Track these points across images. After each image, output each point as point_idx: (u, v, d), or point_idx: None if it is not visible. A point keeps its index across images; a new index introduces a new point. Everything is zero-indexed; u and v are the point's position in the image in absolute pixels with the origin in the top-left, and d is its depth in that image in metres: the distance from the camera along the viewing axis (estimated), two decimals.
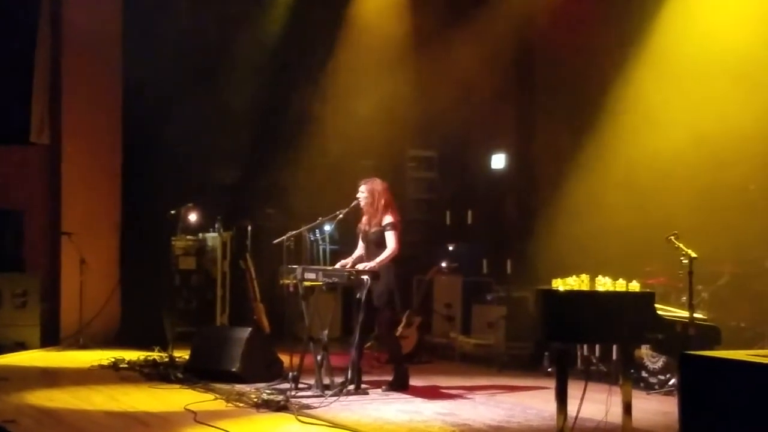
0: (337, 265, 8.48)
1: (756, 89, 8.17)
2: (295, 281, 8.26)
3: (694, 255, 6.59)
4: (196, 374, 8.58)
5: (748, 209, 8.25)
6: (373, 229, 8.31)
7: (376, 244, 8.28)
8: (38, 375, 9.13)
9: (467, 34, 11.49)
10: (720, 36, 8.82)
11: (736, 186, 8.50)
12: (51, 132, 11.51)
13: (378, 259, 8.16)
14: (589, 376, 6.27)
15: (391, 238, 8.22)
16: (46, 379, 8.82)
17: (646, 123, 9.50)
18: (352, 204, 8.41)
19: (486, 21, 11.40)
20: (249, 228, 10.95)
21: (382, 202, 8.34)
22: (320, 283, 8.23)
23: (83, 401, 7.64)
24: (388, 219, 8.28)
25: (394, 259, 8.25)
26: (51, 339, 11.06)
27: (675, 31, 9.38)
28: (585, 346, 6.32)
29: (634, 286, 5.98)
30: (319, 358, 8.14)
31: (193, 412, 7.08)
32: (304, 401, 7.56)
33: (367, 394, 8.11)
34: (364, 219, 8.45)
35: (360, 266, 8.23)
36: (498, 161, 12.41)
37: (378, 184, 8.44)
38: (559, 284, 5.97)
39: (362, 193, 8.37)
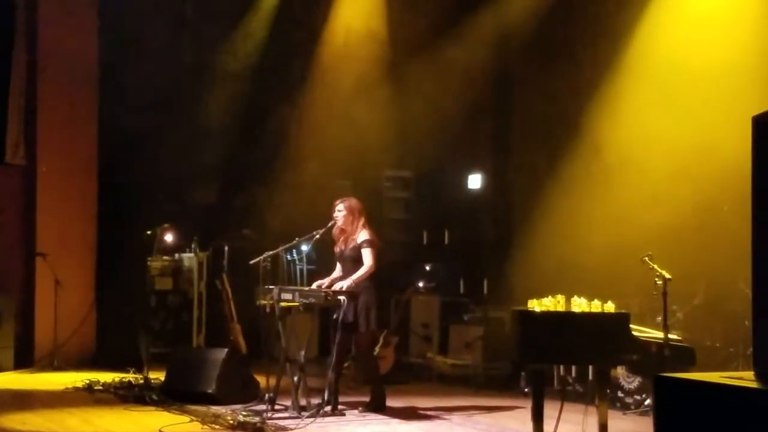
0: (314, 286, 8.47)
1: (733, 109, 8.23)
2: (271, 302, 8.23)
3: (668, 276, 6.65)
4: (172, 396, 8.52)
5: (722, 230, 8.31)
6: (350, 246, 8.30)
7: (353, 262, 8.26)
8: (11, 397, 9.02)
9: (444, 54, 11.55)
10: (695, 55, 8.90)
11: (711, 206, 8.56)
12: (26, 152, 11.44)
13: (354, 276, 8.13)
14: (566, 396, 6.29)
15: (368, 255, 8.21)
16: (19, 402, 8.72)
17: (622, 143, 9.57)
18: (329, 224, 8.40)
19: (462, 41, 11.47)
20: (225, 248, 10.91)
21: (361, 220, 8.35)
22: (297, 303, 8.20)
23: (57, 424, 7.57)
24: (364, 236, 8.27)
25: (372, 278, 8.24)
26: (25, 361, 10.95)
27: (650, 51, 9.46)
28: (561, 367, 6.35)
29: (609, 307, 6.02)
30: (295, 379, 8.11)
31: None
32: (281, 423, 7.54)
33: (344, 415, 8.09)
34: (341, 239, 8.44)
35: (336, 285, 8.22)
36: (474, 181, 12.43)
37: (355, 202, 8.45)
38: (535, 305, 5.99)
39: (340, 212, 8.37)
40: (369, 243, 8.24)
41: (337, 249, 8.47)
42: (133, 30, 11.50)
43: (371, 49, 12.15)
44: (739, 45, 8.54)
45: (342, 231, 8.39)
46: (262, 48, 12.41)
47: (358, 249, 8.24)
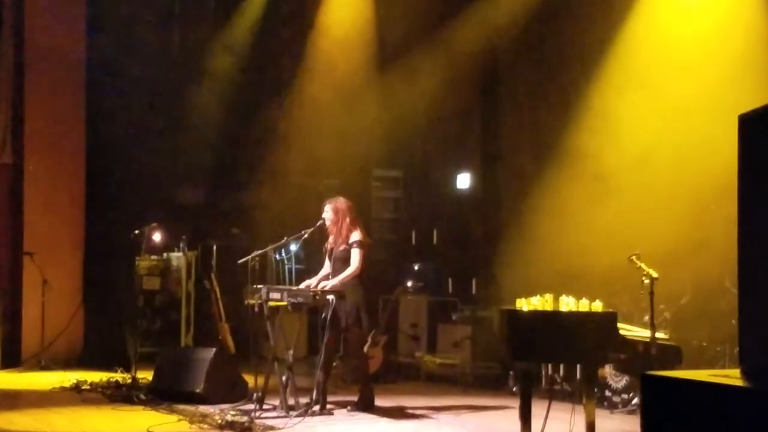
0: (302, 285, 8.46)
1: (721, 108, 8.24)
2: (260, 301, 8.23)
3: (655, 275, 6.66)
4: (160, 395, 8.50)
5: (710, 228, 8.34)
6: (340, 248, 8.31)
7: (343, 262, 8.27)
8: None
9: (432, 54, 11.56)
10: (684, 54, 8.92)
11: (698, 206, 8.58)
12: (13, 150, 11.40)
13: (340, 277, 8.15)
14: (553, 395, 6.31)
15: (355, 256, 8.21)
16: (7, 402, 8.67)
17: (610, 143, 9.58)
18: (318, 223, 8.41)
19: (451, 41, 11.48)
20: (214, 248, 10.90)
21: (347, 220, 8.34)
22: (285, 303, 8.20)
23: (45, 424, 7.53)
24: (355, 237, 8.28)
25: (360, 277, 8.25)
26: (12, 360, 10.91)
27: (638, 50, 9.48)
28: (549, 366, 6.36)
29: (597, 306, 6.03)
30: (284, 378, 8.10)
31: None
32: (269, 422, 7.52)
33: (332, 414, 8.09)
34: (331, 238, 8.45)
35: (322, 284, 8.22)
36: (463, 181, 12.46)
37: (342, 202, 8.44)
38: (523, 304, 6.00)
39: (327, 213, 8.37)
40: (359, 244, 8.25)
41: (327, 247, 8.48)
42: (122, 28, 11.48)
43: (360, 48, 12.15)
44: (731, 44, 8.57)
45: (332, 231, 8.39)
46: (250, 47, 12.41)
47: (347, 250, 8.25)
